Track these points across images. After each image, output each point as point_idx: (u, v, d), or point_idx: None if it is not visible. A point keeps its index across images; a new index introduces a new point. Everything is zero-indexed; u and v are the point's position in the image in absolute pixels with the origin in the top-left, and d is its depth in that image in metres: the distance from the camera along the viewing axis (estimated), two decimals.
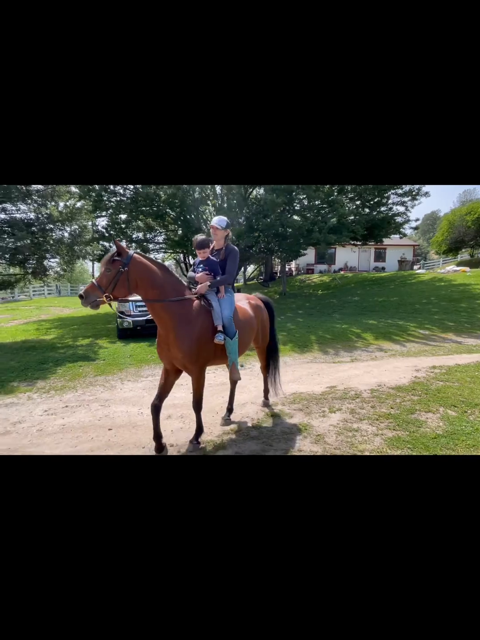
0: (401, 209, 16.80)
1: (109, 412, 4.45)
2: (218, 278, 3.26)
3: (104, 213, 14.57)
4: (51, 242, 8.61)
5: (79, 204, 10.11)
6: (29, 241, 7.92)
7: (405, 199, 16.49)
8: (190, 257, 26.36)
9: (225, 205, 14.30)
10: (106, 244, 15.51)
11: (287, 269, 23.31)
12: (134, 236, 16.20)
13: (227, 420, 3.90)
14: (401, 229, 17.46)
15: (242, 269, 24.96)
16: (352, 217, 14.66)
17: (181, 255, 19.48)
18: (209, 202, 15.40)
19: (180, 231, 15.33)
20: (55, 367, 6.43)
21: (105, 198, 13.81)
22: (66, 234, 9.14)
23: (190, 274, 3.41)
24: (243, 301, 3.79)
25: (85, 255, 10.35)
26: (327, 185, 13.62)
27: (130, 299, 3.27)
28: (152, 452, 3.20)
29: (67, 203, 9.69)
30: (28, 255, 8.24)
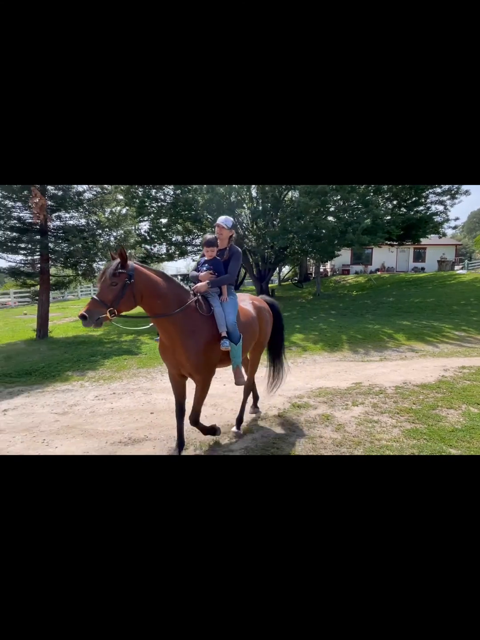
0: (440, 208, 16.38)
1: (150, 399, 4.97)
2: (219, 277, 3.19)
3: (145, 218, 15.53)
4: (99, 246, 9.43)
5: (124, 211, 10.90)
6: (80, 245, 8.76)
7: (444, 197, 16.05)
8: None
9: (260, 207, 14.68)
10: (148, 246, 16.49)
11: (321, 270, 23.27)
12: (173, 239, 17.04)
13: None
14: (440, 229, 16.98)
15: (277, 270, 25.21)
16: (389, 217, 14.52)
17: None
18: (245, 205, 15.88)
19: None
20: (103, 360, 7.12)
21: (147, 204, 14.74)
22: (112, 239, 9.95)
23: (193, 273, 3.33)
24: (246, 302, 3.67)
25: (129, 258, 11.12)
26: (363, 186, 13.63)
27: None
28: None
29: (113, 210, 10.48)
30: (80, 258, 9.10)
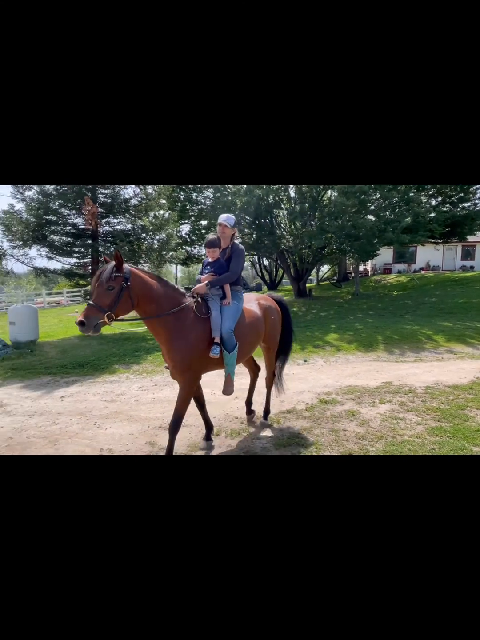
0: None
1: None
2: (219, 277, 3.10)
3: (186, 220, 16.23)
4: (144, 248, 10.11)
5: (166, 215, 11.55)
6: (127, 248, 9.46)
7: None
8: (264, 259, 27.07)
9: (297, 208, 14.81)
10: (188, 248, 17.19)
11: (361, 269, 22.81)
12: None
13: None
14: None
15: (316, 270, 25.08)
16: (432, 215, 14.05)
17: (255, 257, 20.47)
18: (282, 205, 16.08)
19: (254, 235, 16.30)
20: (146, 355, 7.68)
21: (188, 208, 15.40)
22: (156, 242, 10.61)
23: (198, 276, 3.29)
24: (252, 302, 3.61)
25: (171, 259, 11.79)
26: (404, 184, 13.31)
27: None
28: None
29: (157, 214, 11.15)
30: (126, 260, 9.81)
